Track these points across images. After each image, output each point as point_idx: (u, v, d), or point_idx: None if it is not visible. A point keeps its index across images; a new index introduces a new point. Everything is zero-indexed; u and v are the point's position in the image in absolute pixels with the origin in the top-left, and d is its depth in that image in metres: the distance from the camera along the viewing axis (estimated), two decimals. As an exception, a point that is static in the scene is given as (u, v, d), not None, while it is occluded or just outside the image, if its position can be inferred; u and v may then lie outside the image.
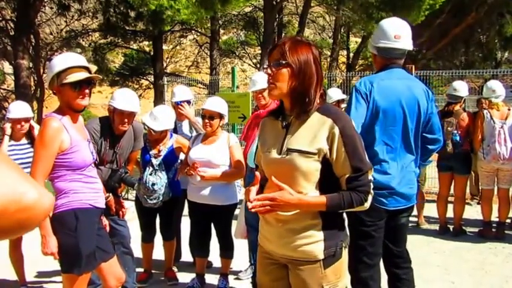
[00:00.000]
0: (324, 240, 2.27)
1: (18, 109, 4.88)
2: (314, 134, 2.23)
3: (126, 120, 4.14)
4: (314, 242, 2.27)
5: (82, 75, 3.06)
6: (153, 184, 4.67)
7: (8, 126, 4.83)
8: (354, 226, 3.20)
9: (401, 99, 3.20)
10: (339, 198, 2.20)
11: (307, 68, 2.24)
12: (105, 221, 3.58)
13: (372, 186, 2.26)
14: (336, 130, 2.20)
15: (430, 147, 3.52)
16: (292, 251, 2.31)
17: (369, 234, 3.24)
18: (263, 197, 2.18)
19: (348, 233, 2.43)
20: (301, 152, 2.23)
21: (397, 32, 3.26)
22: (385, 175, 3.19)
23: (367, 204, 2.26)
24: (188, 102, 5.43)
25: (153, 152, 4.80)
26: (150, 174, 4.70)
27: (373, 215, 3.19)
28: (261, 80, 4.91)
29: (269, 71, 2.26)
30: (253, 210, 2.19)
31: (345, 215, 2.42)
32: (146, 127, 4.83)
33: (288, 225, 2.30)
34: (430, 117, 3.38)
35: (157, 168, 4.72)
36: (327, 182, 2.26)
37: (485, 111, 6.46)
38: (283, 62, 2.22)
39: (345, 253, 2.37)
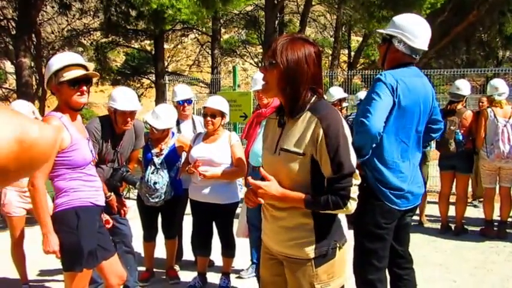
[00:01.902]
0: (315, 240, 2.27)
1: (20, 109, 4.88)
2: (302, 134, 2.23)
3: (128, 119, 4.15)
4: (305, 241, 2.28)
5: (79, 72, 3.06)
6: (155, 183, 4.67)
7: None
8: (368, 229, 3.19)
9: (420, 99, 3.18)
10: (317, 197, 2.20)
11: (297, 68, 2.21)
12: (106, 217, 3.58)
13: (355, 192, 2.20)
14: (320, 130, 2.17)
15: (434, 135, 3.58)
16: (285, 248, 2.35)
17: (382, 237, 3.22)
18: (253, 184, 2.27)
19: (346, 234, 2.40)
20: (290, 152, 2.24)
21: (429, 36, 3.25)
22: (400, 174, 3.17)
23: (347, 209, 2.20)
24: (189, 101, 5.43)
25: (154, 150, 4.80)
26: (152, 173, 4.71)
27: (388, 217, 3.18)
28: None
29: (262, 68, 2.30)
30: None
31: (342, 216, 2.39)
32: (148, 126, 4.84)
33: (281, 222, 2.34)
34: (433, 111, 3.39)
35: (159, 167, 4.72)
36: (318, 182, 2.24)
37: (488, 110, 6.45)
38: (273, 61, 2.22)
39: (340, 253, 2.35)
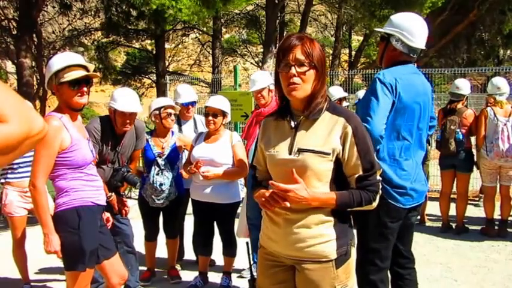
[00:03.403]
0: (336, 239, 2.27)
1: None
2: (327, 133, 2.23)
3: (128, 121, 4.14)
4: (326, 242, 2.26)
5: (80, 73, 3.06)
6: (161, 184, 4.68)
7: None
8: (373, 228, 3.19)
9: (419, 95, 3.20)
10: (348, 196, 2.23)
11: (324, 69, 2.27)
12: (106, 215, 3.59)
13: (380, 186, 2.30)
14: (349, 129, 2.22)
15: (429, 132, 3.58)
16: (302, 252, 2.28)
17: (386, 237, 3.22)
18: (279, 187, 2.17)
19: (355, 233, 2.44)
20: (315, 152, 2.21)
21: (427, 35, 3.26)
22: (403, 172, 3.17)
23: (374, 204, 2.30)
24: (193, 103, 5.44)
25: (156, 150, 4.80)
26: (157, 175, 4.70)
27: (393, 216, 3.18)
28: (260, 79, 4.90)
29: (293, 71, 2.19)
30: (262, 203, 2.27)
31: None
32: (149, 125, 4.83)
33: (299, 225, 2.27)
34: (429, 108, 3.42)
35: (163, 167, 4.73)
36: (338, 181, 2.28)
37: (488, 109, 6.45)
38: (312, 63, 2.20)
39: (353, 252, 2.38)
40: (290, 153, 2.27)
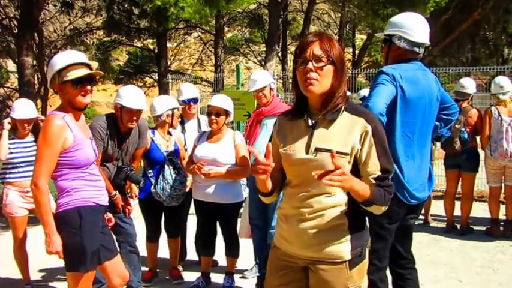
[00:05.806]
0: (350, 241, 2.25)
1: (22, 110, 4.86)
2: (346, 133, 2.20)
3: (135, 118, 4.13)
4: (341, 242, 2.24)
5: (83, 71, 3.03)
6: (181, 183, 4.70)
7: (5, 122, 4.85)
8: (371, 230, 3.16)
9: (425, 92, 3.19)
10: (378, 191, 2.19)
11: (344, 66, 2.23)
12: (108, 215, 3.56)
13: (394, 189, 2.28)
14: (369, 129, 2.20)
15: (453, 118, 3.58)
16: (317, 252, 2.26)
17: (383, 238, 3.22)
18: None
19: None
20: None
21: (428, 30, 3.27)
22: (405, 170, 3.15)
23: (386, 207, 2.27)
24: (195, 100, 5.40)
25: (165, 150, 4.78)
26: (175, 174, 4.68)
27: (391, 216, 3.14)
28: (260, 78, 4.85)
29: (310, 65, 2.16)
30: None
31: None
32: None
33: (313, 225, 2.24)
34: (442, 98, 3.41)
35: (179, 166, 4.74)
36: None
37: (492, 108, 6.41)
38: (329, 58, 2.17)
39: (367, 253, 2.36)
40: (307, 153, 2.23)
